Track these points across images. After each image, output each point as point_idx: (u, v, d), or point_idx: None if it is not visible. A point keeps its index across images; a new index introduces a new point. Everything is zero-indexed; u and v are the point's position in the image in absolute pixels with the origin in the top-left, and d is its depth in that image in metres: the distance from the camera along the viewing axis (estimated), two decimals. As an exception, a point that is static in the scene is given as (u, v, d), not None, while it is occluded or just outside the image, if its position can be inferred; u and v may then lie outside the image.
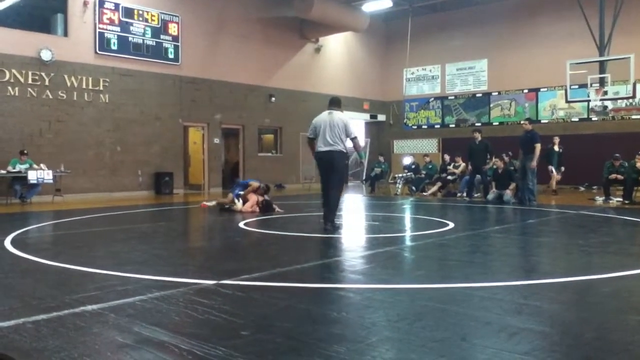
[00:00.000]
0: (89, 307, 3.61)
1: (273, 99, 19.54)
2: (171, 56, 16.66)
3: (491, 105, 20.89)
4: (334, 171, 7.73)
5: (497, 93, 20.92)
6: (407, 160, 18.41)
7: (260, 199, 10.82)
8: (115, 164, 15.53)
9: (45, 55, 14.02)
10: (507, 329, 3.23)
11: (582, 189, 17.76)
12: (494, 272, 5.21)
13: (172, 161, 16.86)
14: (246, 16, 18.71)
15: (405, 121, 23.50)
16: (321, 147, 7.68)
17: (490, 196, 13.11)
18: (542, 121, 19.37)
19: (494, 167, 13.50)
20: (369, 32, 21.99)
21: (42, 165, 13.20)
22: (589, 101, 16.80)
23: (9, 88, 13.58)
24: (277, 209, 10.75)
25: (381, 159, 18.87)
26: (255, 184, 11.13)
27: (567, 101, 17.28)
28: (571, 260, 5.87)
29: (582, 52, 15.95)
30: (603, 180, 13.33)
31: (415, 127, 23.27)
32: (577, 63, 14.82)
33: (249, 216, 9.83)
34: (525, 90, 20.20)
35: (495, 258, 6.05)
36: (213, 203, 11.91)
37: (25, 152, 13.15)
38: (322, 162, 7.76)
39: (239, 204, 10.70)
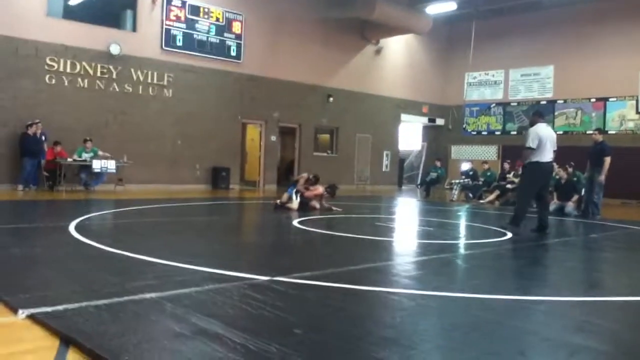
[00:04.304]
0: (148, 295, 3.71)
1: (331, 99, 19.57)
2: (233, 54, 16.95)
3: (556, 114, 20.21)
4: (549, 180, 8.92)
5: (562, 101, 20.23)
6: (465, 166, 18.05)
7: (321, 189, 10.77)
8: (175, 157, 15.94)
9: (114, 50, 14.54)
10: (567, 346, 3.11)
11: (649, 204, 16.95)
12: (553, 286, 5.03)
13: (230, 157, 17.15)
14: (307, 16, 18.82)
15: (464, 126, 23.06)
16: (546, 159, 8.13)
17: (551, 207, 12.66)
18: (610, 132, 18.57)
19: (557, 177, 13.04)
20: (431, 35, 21.68)
21: (104, 153, 13.66)
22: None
23: (79, 80, 14.15)
24: (335, 208, 10.73)
25: (438, 163, 18.60)
26: (303, 175, 11.17)
27: (637, 112, 16.57)
28: (635, 278, 5.60)
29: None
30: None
31: (474, 132, 22.81)
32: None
33: (304, 215, 9.85)
34: (593, 100, 19.43)
35: (555, 271, 5.85)
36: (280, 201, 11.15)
37: (89, 139, 13.66)
38: (546, 173, 8.36)
39: (295, 202, 10.66)
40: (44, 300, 3.47)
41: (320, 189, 10.82)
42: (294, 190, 10.79)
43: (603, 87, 18.93)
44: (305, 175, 11.18)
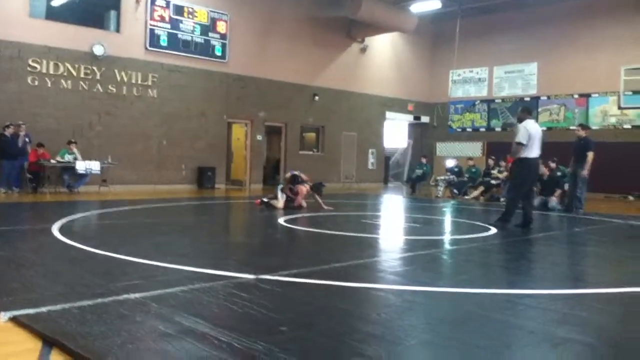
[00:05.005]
0: (132, 296, 3.68)
1: (317, 97, 19.57)
2: (219, 54, 16.89)
3: (539, 110, 20.37)
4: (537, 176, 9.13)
5: (546, 97, 20.40)
6: (450, 163, 18.17)
7: (305, 189, 10.79)
8: (161, 158, 15.84)
9: (98, 50, 14.41)
10: (552, 339, 3.13)
11: (631, 198, 17.15)
12: (538, 280, 5.08)
13: (216, 156, 17.09)
14: (293, 16, 18.80)
15: (449, 123, 23.17)
16: (534, 154, 8.27)
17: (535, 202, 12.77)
18: (593, 127, 18.69)
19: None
20: (416, 33, 21.75)
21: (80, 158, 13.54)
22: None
23: (62, 81, 14.01)
24: (326, 207, 10.73)
25: (423, 160, 18.70)
26: (287, 175, 11.21)
27: (619, 107, 16.75)
28: (619, 271, 5.66)
29: (636, 58, 15.40)
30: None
31: (459, 129, 22.92)
32: (632, 69, 14.31)
33: (290, 213, 9.84)
34: (576, 96, 19.62)
35: (540, 265, 5.90)
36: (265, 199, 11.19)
37: (74, 141, 13.54)
38: (534, 168, 8.52)
39: (281, 201, 10.65)
40: (27, 302, 3.43)
41: (303, 189, 10.80)
42: (280, 188, 10.81)
43: (586, 83, 19.11)
44: (288, 175, 11.20)
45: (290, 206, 10.58)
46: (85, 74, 14.35)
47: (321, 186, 11.20)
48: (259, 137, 18.40)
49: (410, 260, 5.76)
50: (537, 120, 19.96)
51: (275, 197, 10.79)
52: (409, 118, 23.42)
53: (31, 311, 3.25)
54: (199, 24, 16.41)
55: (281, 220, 8.75)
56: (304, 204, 10.80)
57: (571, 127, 17.77)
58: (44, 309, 3.30)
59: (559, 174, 13.40)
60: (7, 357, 2.69)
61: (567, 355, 2.90)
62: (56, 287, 4.04)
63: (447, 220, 10.57)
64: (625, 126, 18.53)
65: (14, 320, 3.13)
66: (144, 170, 15.44)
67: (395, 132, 24.17)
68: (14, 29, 13.19)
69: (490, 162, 16.39)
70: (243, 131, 18.38)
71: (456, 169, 16.97)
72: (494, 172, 15.76)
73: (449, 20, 20.84)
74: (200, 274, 4.47)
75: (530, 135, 8.14)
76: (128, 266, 4.82)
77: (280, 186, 10.99)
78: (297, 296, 4.00)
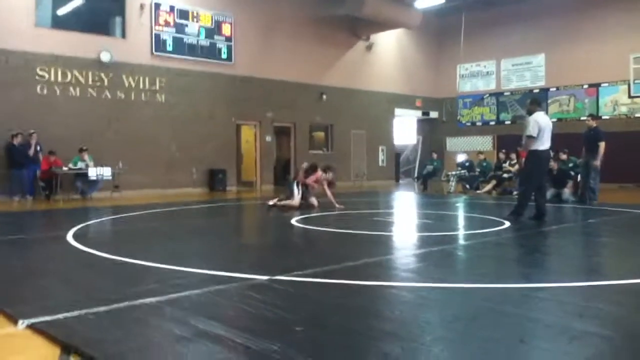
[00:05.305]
0: (147, 300, 3.70)
1: (324, 96, 19.57)
2: (224, 56, 16.93)
3: (549, 101, 20.24)
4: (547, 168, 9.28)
5: (555, 89, 20.25)
6: (461, 158, 18.08)
7: (320, 173, 10.87)
8: (171, 161, 15.91)
9: (105, 57, 14.50)
10: (568, 332, 3.10)
11: (646, 187, 17.01)
12: (553, 273, 5.04)
13: (226, 159, 17.14)
14: (298, 15, 18.80)
15: (458, 118, 23.07)
16: (545, 146, 8.22)
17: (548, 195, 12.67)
18: (604, 117, 18.59)
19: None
20: (421, 29, 21.67)
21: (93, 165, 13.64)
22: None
23: (71, 89, 14.12)
24: (338, 205, 10.73)
25: (434, 156, 18.64)
26: (302, 166, 11.33)
27: (630, 96, 16.58)
28: (635, 262, 5.60)
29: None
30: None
31: (469, 124, 22.82)
32: (642, 56, 14.17)
33: (302, 213, 9.83)
34: (585, 86, 19.47)
35: (554, 258, 5.86)
36: (275, 201, 11.23)
37: (85, 148, 13.64)
38: (545, 161, 8.55)
39: (297, 198, 10.67)
40: (44, 309, 3.45)
41: (319, 174, 10.92)
42: (295, 183, 10.84)
43: (595, 72, 18.96)
44: (303, 165, 11.31)
45: (303, 206, 10.59)
46: (93, 80, 14.45)
47: (332, 167, 11.41)
48: (268, 138, 18.43)
49: (423, 256, 5.74)
50: (547, 112, 19.87)
51: (289, 197, 10.78)
52: (418, 114, 23.36)
53: (48, 318, 3.27)
54: (204, 27, 16.46)
55: (293, 221, 8.75)
56: (316, 202, 10.81)
57: (581, 118, 17.62)
58: (60, 316, 3.32)
59: (570, 164, 13.29)
60: (26, 365, 2.71)
61: (584, 349, 2.87)
62: (72, 293, 4.07)
63: (460, 215, 10.52)
64: (637, 115, 18.34)
65: (32, 327, 3.15)
66: (155, 174, 15.52)
67: (405, 129, 24.10)
68: (21, 38, 13.31)
69: (502, 155, 16.30)
70: (252, 132, 18.42)
71: (467, 164, 16.88)
72: (506, 165, 15.67)
73: (454, 14, 20.75)
74: (214, 277, 4.48)
75: (540, 127, 8.09)
76: (142, 271, 4.84)
77: (293, 184, 10.99)
78: (311, 296, 4.00)
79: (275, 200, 11.02)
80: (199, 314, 3.38)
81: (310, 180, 10.86)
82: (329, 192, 10.96)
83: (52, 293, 4.11)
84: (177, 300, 3.73)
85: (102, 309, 3.49)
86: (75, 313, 3.38)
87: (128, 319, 3.33)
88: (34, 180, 13.16)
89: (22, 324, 3.19)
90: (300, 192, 10.72)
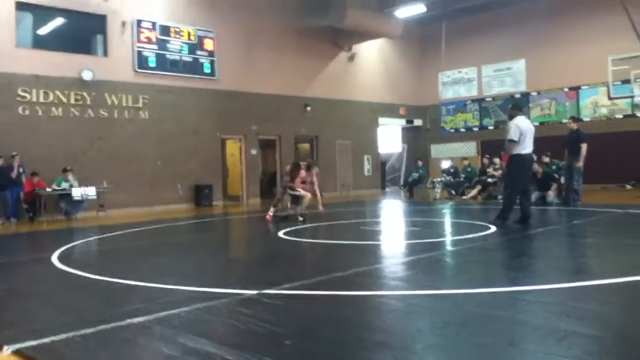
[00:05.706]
0: (135, 320, 3.67)
1: (308, 108, 19.61)
2: (207, 71, 16.93)
3: (530, 105, 20.46)
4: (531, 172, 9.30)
5: (536, 93, 20.50)
6: (446, 164, 18.20)
7: (303, 172, 10.96)
8: (156, 178, 15.81)
9: (87, 76, 14.42)
10: (556, 333, 3.13)
11: (628, 187, 17.20)
12: (540, 275, 5.08)
13: (211, 174, 17.08)
14: (279, 27, 18.87)
15: (442, 125, 23.24)
16: (527, 150, 8.33)
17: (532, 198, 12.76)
18: (585, 119, 18.80)
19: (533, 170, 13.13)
20: (403, 38, 21.84)
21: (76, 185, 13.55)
22: (633, 97, 16.27)
23: (53, 109, 14.01)
24: (322, 207, 10.81)
25: (419, 163, 18.73)
26: (285, 169, 11.49)
27: (609, 98, 16.81)
28: (620, 261, 5.66)
29: (623, 48, 15.49)
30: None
31: (452, 130, 22.99)
32: (620, 59, 14.40)
33: (289, 225, 9.82)
34: (566, 89, 19.72)
35: (541, 261, 5.90)
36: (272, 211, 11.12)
37: (69, 168, 13.53)
38: (528, 164, 8.61)
39: (303, 192, 10.79)
40: (30, 333, 3.41)
41: (303, 173, 11.03)
42: (284, 187, 10.98)
43: (575, 75, 19.22)
44: (287, 169, 11.44)
45: (297, 201, 10.72)
46: (76, 100, 14.36)
47: (314, 162, 11.74)
48: (254, 152, 18.41)
49: (411, 264, 5.75)
50: (529, 116, 20.08)
51: (295, 200, 10.88)
52: (402, 122, 23.48)
53: (34, 343, 3.23)
54: (186, 43, 16.46)
55: (281, 233, 8.73)
56: (305, 210, 10.80)
57: (563, 121, 17.82)
58: (47, 340, 3.28)
59: (553, 167, 13.42)
60: (13, 391, 2.67)
61: (572, 349, 2.89)
62: (58, 316, 4.02)
63: (447, 221, 10.57)
64: (617, 116, 18.61)
65: (18, 353, 3.11)
66: (141, 192, 15.41)
67: (389, 137, 24.21)
68: (1, 59, 13.20)
69: (485, 160, 16.43)
70: (237, 146, 18.39)
71: (452, 170, 17.01)
72: (490, 170, 15.79)
73: (435, 23, 20.95)
74: (203, 293, 4.46)
75: (522, 131, 8.20)
76: (129, 291, 4.80)
77: (284, 187, 11.17)
78: (300, 308, 3.99)
79: (273, 211, 11.00)
80: (188, 332, 3.35)
81: (297, 183, 10.87)
82: (317, 191, 11.09)
83: (38, 316, 4.06)
84: (166, 318, 3.70)
85: (89, 330, 3.45)
86: (63, 336, 3.34)
87: (116, 340, 3.30)
88: (18, 202, 13.01)
89: (7, 349, 3.14)
90: (289, 193, 10.87)
